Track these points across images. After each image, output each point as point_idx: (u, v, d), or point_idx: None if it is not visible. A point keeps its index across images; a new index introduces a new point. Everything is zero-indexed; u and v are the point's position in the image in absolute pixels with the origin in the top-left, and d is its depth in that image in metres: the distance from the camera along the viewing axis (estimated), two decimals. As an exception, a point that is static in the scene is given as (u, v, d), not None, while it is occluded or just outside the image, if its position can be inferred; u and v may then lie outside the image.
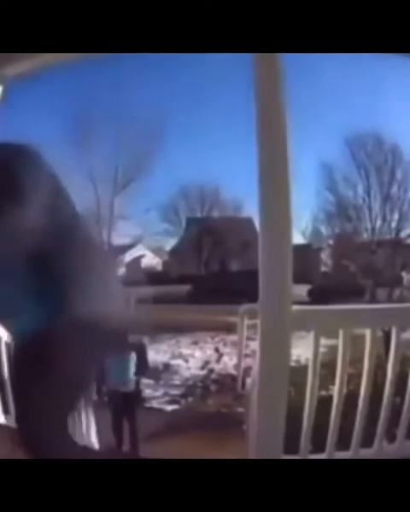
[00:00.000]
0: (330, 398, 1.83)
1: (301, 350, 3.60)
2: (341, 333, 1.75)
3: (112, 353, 3.45)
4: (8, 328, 1.23)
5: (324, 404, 1.83)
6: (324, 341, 1.79)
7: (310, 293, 12.39)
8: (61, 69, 2.03)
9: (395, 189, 12.16)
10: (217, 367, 7.20)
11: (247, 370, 2.22)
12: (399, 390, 1.82)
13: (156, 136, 14.02)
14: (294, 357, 4.65)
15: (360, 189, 12.44)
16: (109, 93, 14.16)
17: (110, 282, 1.13)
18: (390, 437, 1.88)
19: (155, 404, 5.28)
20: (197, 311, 11.32)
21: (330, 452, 1.80)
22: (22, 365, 0.92)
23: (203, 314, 10.71)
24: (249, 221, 15.62)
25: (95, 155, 13.87)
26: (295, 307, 1.68)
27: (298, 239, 12.39)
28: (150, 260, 18.95)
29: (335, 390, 1.80)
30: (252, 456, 1.83)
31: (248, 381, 2.15)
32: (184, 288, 14.58)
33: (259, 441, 1.74)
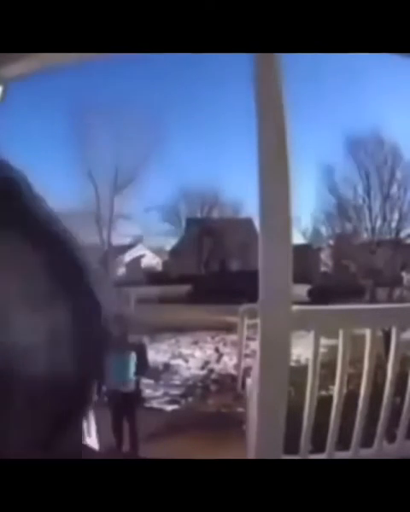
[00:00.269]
0: (330, 398, 1.83)
1: (301, 350, 3.61)
2: (341, 333, 1.75)
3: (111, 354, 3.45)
4: None
5: (324, 404, 1.83)
6: (324, 341, 1.79)
7: (310, 293, 12.40)
8: (61, 69, 2.03)
9: (395, 189, 12.17)
10: (217, 367, 7.20)
11: (247, 370, 2.22)
12: (399, 390, 1.82)
13: (156, 136, 14.03)
14: (294, 357, 4.66)
15: (360, 189, 12.45)
16: (109, 93, 14.18)
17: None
18: (390, 437, 1.89)
19: (155, 404, 5.29)
20: (197, 311, 11.33)
21: (330, 452, 1.80)
22: None
23: (203, 314, 10.72)
24: (249, 221, 15.64)
25: (95, 155, 13.88)
26: (295, 307, 1.68)
27: (298, 239, 12.39)
28: (150, 260, 18.97)
29: (335, 390, 1.80)
30: (252, 456, 1.83)
31: (248, 381, 2.14)
32: (184, 288, 14.59)
33: (259, 441, 1.74)
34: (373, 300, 10.03)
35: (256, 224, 1.83)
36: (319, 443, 1.83)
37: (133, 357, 3.55)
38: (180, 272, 16.41)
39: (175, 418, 4.89)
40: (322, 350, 1.79)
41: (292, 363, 2.03)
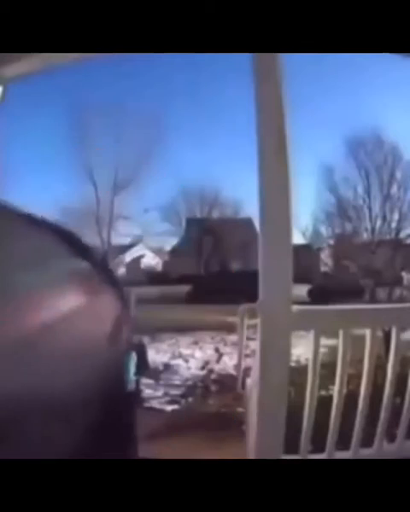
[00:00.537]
0: (330, 398, 1.83)
1: (301, 350, 3.61)
2: (341, 333, 1.75)
3: None
4: None
5: (324, 404, 1.83)
6: (324, 341, 1.79)
7: (310, 293, 12.41)
8: (61, 69, 2.03)
9: (395, 189, 12.17)
10: (217, 367, 7.20)
11: (247, 370, 2.22)
12: (399, 390, 1.82)
13: (157, 136, 14.03)
14: (294, 357, 4.66)
15: (360, 189, 12.45)
16: (109, 93, 14.18)
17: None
18: (390, 437, 1.88)
19: (155, 404, 5.28)
20: (197, 311, 11.33)
21: (330, 452, 1.80)
22: None
23: (203, 314, 10.72)
24: (249, 221, 15.64)
25: (95, 155, 13.87)
26: (295, 307, 1.68)
27: (298, 239, 12.39)
28: (150, 260, 18.98)
29: (335, 390, 1.80)
30: (252, 456, 1.83)
31: (248, 381, 2.14)
32: (184, 288, 14.59)
33: (259, 441, 1.74)
34: (373, 300, 10.02)
35: (256, 224, 1.83)
36: (319, 443, 1.82)
37: (133, 357, 3.55)
38: (180, 272, 16.42)
39: (175, 418, 4.89)
40: (322, 350, 1.79)
41: (292, 363, 2.03)
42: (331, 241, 13.47)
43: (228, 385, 5.79)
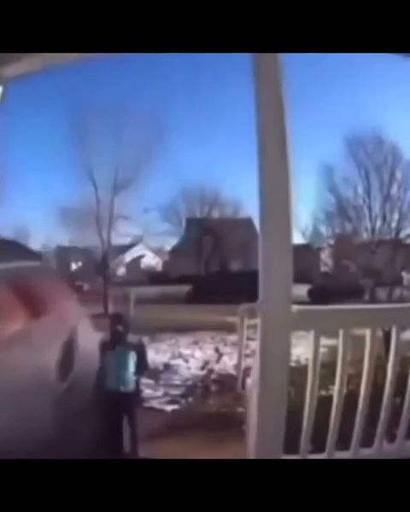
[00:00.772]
0: (330, 398, 1.83)
1: (301, 350, 3.61)
2: (341, 333, 1.75)
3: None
4: None
5: (324, 404, 1.83)
6: (324, 341, 1.79)
7: (310, 293, 12.41)
8: (61, 69, 2.03)
9: (395, 189, 12.14)
10: (217, 367, 7.20)
11: (247, 370, 2.22)
12: (399, 390, 1.82)
13: (157, 136, 14.02)
14: (294, 357, 4.66)
15: (360, 189, 12.43)
16: (109, 93, 14.18)
17: None
18: (390, 437, 1.89)
19: (155, 404, 5.28)
20: (197, 311, 11.33)
21: (330, 452, 1.80)
22: None
23: (203, 314, 10.72)
24: (249, 221, 15.64)
25: (95, 155, 13.86)
26: (295, 307, 1.68)
27: (298, 239, 12.38)
28: (150, 260, 18.98)
29: (335, 390, 1.80)
30: (252, 456, 1.83)
31: (248, 381, 2.14)
32: (184, 288, 14.59)
33: (259, 441, 1.74)
34: (373, 300, 10.01)
35: (256, 223, 1.83)
36: (319, 443, 1.82)
37: (133, 356, 3.54)
38: (180, 272, 16.42)
39: (175, 418, 4.89)
40: (322, 350, 1.79)
41: (292, 363, 2.03)
42: (331, 241, 13.45)
43: (228, 385, 5.79)
